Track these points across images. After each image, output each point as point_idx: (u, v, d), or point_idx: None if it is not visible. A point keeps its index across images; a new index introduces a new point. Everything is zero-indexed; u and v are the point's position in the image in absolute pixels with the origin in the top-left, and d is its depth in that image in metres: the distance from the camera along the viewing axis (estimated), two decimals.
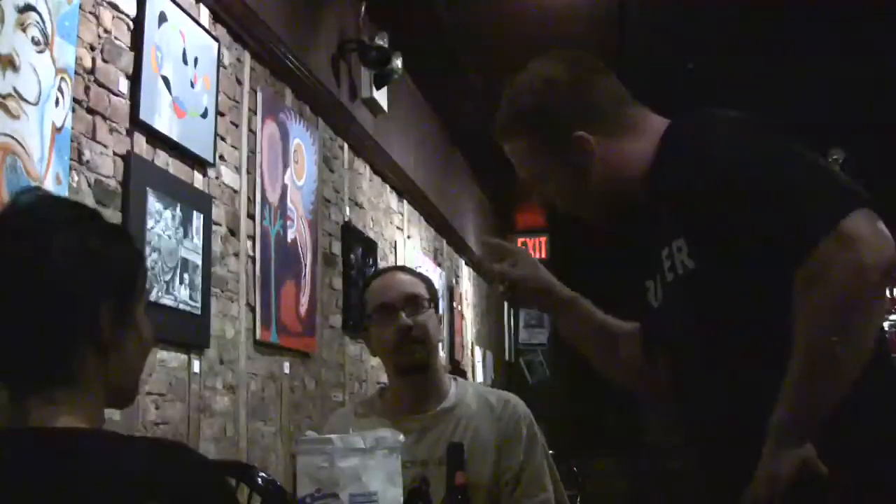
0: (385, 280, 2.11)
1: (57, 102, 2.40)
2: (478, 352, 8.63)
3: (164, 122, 2.97)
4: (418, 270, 2.34)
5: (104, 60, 2.69)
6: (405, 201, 6.31)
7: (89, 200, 2.55)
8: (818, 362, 1.16)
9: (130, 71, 2.82)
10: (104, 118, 2.68)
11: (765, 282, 1.22)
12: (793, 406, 1.17)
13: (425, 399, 2.04)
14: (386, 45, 5.02)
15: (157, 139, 2.97)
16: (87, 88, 2.60)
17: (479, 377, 8.44)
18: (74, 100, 2.51)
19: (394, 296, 2.02)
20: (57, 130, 2.40)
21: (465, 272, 8.55)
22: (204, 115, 3.26)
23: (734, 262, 1.25)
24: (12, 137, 2.23)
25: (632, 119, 1.45)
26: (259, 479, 2.46)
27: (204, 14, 3.38)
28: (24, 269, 1.02)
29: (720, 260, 1.27)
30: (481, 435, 1.97)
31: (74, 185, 2.50)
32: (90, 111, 2.62)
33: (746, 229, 1.24)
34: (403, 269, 2.27)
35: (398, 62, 5.08)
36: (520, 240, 10.93)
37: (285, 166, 4.07)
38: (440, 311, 2.13)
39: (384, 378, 5.90)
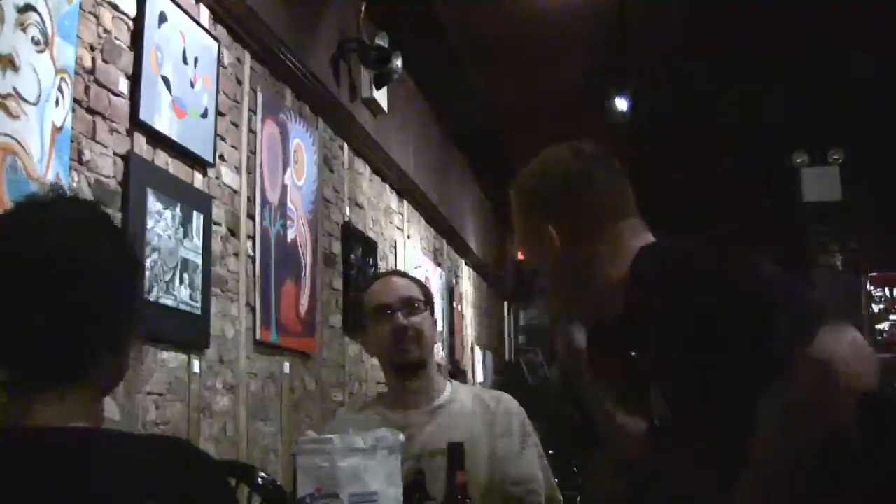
0: (382, 283, 2.18)
1: (57, 102, 2.40)
2: (478, 352, 8.63)
3: (164, 122, 2.97)
4: (416, 274, 2.37)
5: (104, 60, 2.69)
6: (405, 201, 6.31)
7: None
8: None
9: (130, 71, 2.82)
10: (104, 118, 2.68)
11: None
12: None
13: (420, 397, 2.10)
14: (386, 45, 5.02)
15: (157, 139, 2.97)
16: (87, 88, 2.60)
17: (479, 377, 8.44)
18: (74, 100, 2.51)
19: (390, 298, 2.10)
20: (57, 130, 2.40)
21: (465, 272, 8.55)
22: (204, 115, 3.26)
23: None
24: (12, 137, 2.23)
25: (613, 235, 1.44)
26: (259, 479, 2.46)
27: (204, 14, 3.38)
28: (72, 272, 1.04)
29: None
30: (476, 431, 2.01)
31: (74, 185, 2.50)
32: (90, 111, 2.62)
33: None
34: (400, 273, 2.33)
35: (398, 62, 5.09)
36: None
37: (285, 166, 4.07)
38: (435, 314, 2.19)
39: (384, 378, 5.89)
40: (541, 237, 1.46)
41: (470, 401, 2.10)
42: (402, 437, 1.64)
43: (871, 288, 8.68)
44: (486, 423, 2.05)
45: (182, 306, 3.03)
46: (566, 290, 1.50)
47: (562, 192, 1.46)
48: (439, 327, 2.22)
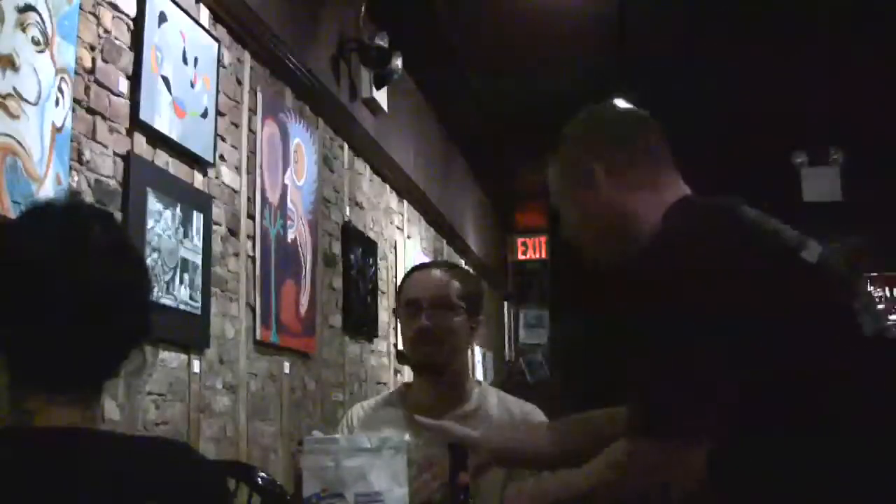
0: (419, 275, 2.10)
1: (57, 102, 2.40)
2: (478, 352, 8.63)
3: (164, 122, 2.97)
4: (463, 269, 2.26)
5: (104, 60, 2.69)
6: (405, 201, 6.31)
7: (89, 200, 2.55)
8: None
9: (130, 71, 2.82)
10: (104, 118, 2.68)
11: None
12: None
13: (444, 400, 2.03)
14: (386, 45, 5.02)
15: (157, 139, 2.97)
16: (87, 88, 2.60)
17: (479, 377, 8.44)
18: (74, 100, 2.51)
19: (420, 294, 2.03)
20: (57, 130, 2.40)
21: None
22: (204, 115, 3.26)
23: None
24: (12, 137, 2.22)
25: (651, 178, 1.50)
26: (259, 479, 2.46)
27: (204, 14, 3.38)
28: (90, 285, 1.06)
29: None
30: None
31: (74, 184, 2.50)
32: (90, 111, 2.62)
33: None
34: (447, 267, 2.16)
35: (398, 62, 5.08)
36: (520, 239, 10.95)
37: (285, 166, 4.07)
38: (480, 315, 2.09)
39: (384, 378, 5.91)
40: (588, 181, 1.51)
41: (496, 410, 2.03)
42: (406, 437, 1.64)
43: (871, 288, 8.68)
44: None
45: (182, 306, 3.02)
46: (605, 238, 1.53)
47: (610, 135, 1.55)
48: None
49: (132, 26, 2.84)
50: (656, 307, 1.30)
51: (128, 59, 2.81)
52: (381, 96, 5.25)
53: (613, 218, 1.50)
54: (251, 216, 3.71)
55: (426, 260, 6.58)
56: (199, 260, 3.15)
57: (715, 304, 1.24)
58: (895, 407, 1.23)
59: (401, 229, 6.17)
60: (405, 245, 6.14)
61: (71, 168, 2.48)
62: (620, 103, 1.63)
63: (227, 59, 3.55)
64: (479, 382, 2.13)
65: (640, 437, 1.30)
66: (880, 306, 8.71)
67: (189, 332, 3.10)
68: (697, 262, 1.29)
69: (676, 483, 1.31)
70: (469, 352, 2.13)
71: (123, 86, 2.78)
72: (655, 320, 1.30)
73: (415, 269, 2.20)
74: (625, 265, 1.42)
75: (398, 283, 2.18)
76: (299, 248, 4.18)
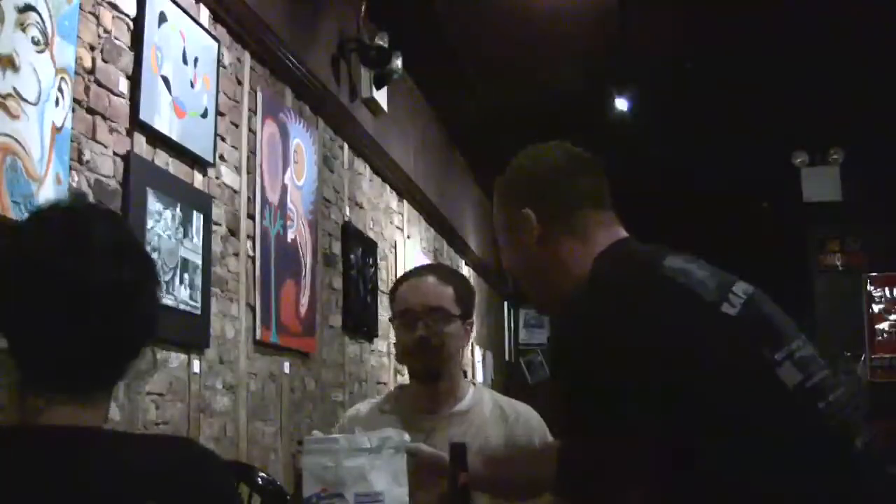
0: (414, 284, 2.07)
1: (57, 102, 2.40)
2: (478, 352, 8.63)
3: (164, 122, 2.97)
4: (453, 271, 2.25)
5: (104, 60, 2.69)
6: (405, 201, 6.31)
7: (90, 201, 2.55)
8: None
9: (130, 71, 2.82)
10: (104, 118, 2.68)
11: None
12: None
13: (439, 401, 2.05)
14: (386, 45, 5.02)
15: (157, 139, 2.97)
16: (87, 88, 2.60)
17: (479, 377, 8.43)
18: (74, 100, 2.51)
19: (416, 304, 2.02)
20: (57, 130, 2.40)
21: (465, 272, 8.55)
22: (204, 115, 3.26)
23: None
24: (12, 137, 2.22)
25: (584, 224, 1.49)
26: (259, 479, 2.46)
27: (204, 14, 3.38)
28: (104, 287, 1.06)
29: None
30: (491, 442, 1.97)
31: (74, 184, 2.50)
32: (90, 111, 2.62)
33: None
34: (439, 272, 2.14)
35: (398, 62, 5.09)
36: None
37: (285, 166, 4.07)
38: (472, 319, 2.10)
39: (384, 378, 5.91)
40: (520, 225, 1.50)
41: (489, 410, 2.04)
42: (406, 437, 1.64)
43: (871, 288, 8.67)
44: (503, 437, 2.00)
45: (182, 306, 3.02)
46: (539, 286, 1.53)
47: (545, 179, 1.54)
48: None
49: (132, 26, 2.84)
50: (571, 369, 1.32)
51: (128, 59, 2.81)
52: (381, 96, 5.25)
53: (545, 266, 1.49)
54: (251, 216, 3.71)
55: (426, 260, 6.58)
56: (199, 260, 3.15)
57: (628, 368, 1.25)
58: (814, 462, 1.22)
59: (401, 229, 6.17)
60: (405, 245, 6.14)
61: (71, 168, 2.48)
62: (561, 146, 1.61)
63: (227, 59, 3.55)
64: (474, 383, 2.14)
65: (561, 491, 1.35)
66: (880, 306, 8.70)
67: (189, 332, 3.10)
68: (613, 321, 1.30)
69: None
70: (463, 353, 2.14)
71: (123, 86, 2.78)
72: (571, 383, 1.32)
73: (406, 276, 2.17)
74: (553, 317, 1.44)
75: (389, 291, 2.17)
76: (299, 248, 4.18)
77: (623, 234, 1.50)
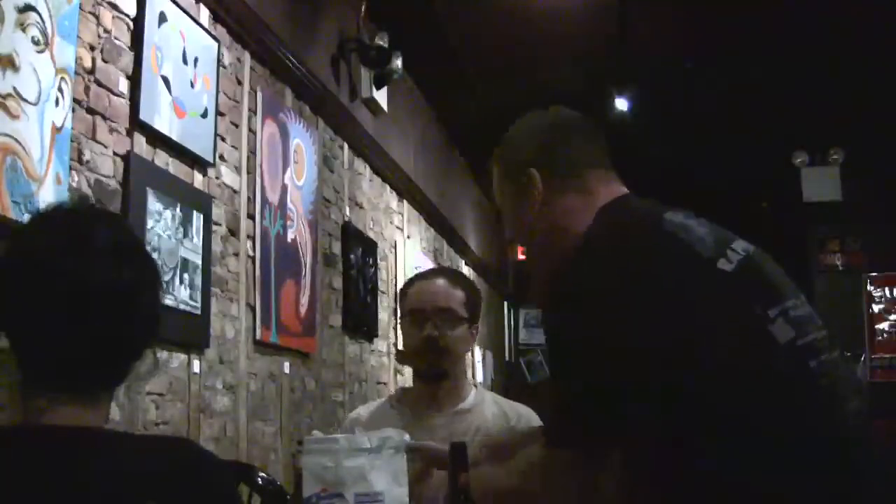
0: (424, 285, 2.11)
1: (57, 102, 2.40)
2: (478, 352, 8.63)
3: (164, 122, 2.97)
4: (464, 276, 2.28)
5: (104, 60, 2.69)
6: (405, 201, 6.31)
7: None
8: None
9: (130, 71, 2.82)
10: (104, 118, 2.68)
11: None
12: None
13: (442, 401, 2.08)
14: (386, 45, 5.02)
15: (157, 139, 2.97)
16: (87, 88, 2.60)
17: (480, 377, 8.44)
18: (74, 100, 2.51)
19: (426, 304, 2.05)
20: (57, 130, 2.40)
21: (465, 272, 8.55)
22: (204, 115, 3.26)
23: None
24: (12, 137, 2.22)
25: (588, 181, 1.51)
26: (259, 479, 2.46)
27: (204, 14, 3.38)
28: (107, 290, 1.07)
29: None
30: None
31: (74, 184, 2.50)
32: (90, 111, 2.62)
33: None
34: (448, 274, 2.20)
35: (398, 62, 5.08)
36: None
37: (285, 166, 4.07)
38: (477, 323, 2.13)
39: (384, 378, 5.91)
40: (524, 187, 1.52)
41: (491, 412, 2.07)
42: (406, 437, 1.64)
43: (871, 288, 8.68)
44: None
45: (182, 306, 3.02)
46: (542, 250, 1.54)
47: (546, 139, 1.57)
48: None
49: (132, 26, 2.84)
50: (572, 318, 1.34)
51: (128, 59, 2.81)
52: (381, 96, 5.25)
53: (548, 226, 1.50)
54: (251, 216, 3.71)
55: (426, 259, 6.58)
56: (199, 260, 3.15)
57: (625, 316, 1.27)
58: (800, 417, 1.23)
59: (401, 229, 6.17)
60: (405, 245, 6.14)
61: (71, 168, 2.48)
62: (557, 109, 1.62)
63: (227, 59, 3.55)
64: (475, 385, 2.17)
65: (552, 442, 1.38)
66: (880, 306, 8.70)
67: (189, 332, 3.10)
68: (611, 276, 1.32)
69: (588, 486, 1.35)
70: (468, 356, 2.17)
71: (123, 86, 2.78)
72: (570, 331, 1.34)
73: (417, 277, 2.22)
74: (554, 273, 1.44)
75: (399, 290, 2.20)
76: (299, 248, 4.18)
77: (624, 190, 1.51)
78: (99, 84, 2.66)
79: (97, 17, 2.66)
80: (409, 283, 2.18)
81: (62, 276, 1.04)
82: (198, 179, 3.26)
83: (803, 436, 1.23)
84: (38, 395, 1.05)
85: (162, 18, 2.99)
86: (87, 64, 2.60)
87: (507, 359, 10.74)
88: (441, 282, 2.11)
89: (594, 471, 1.36)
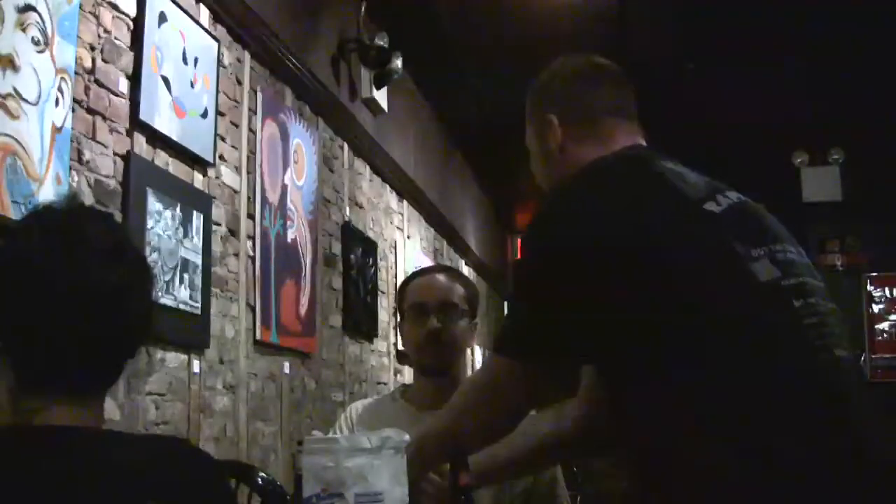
0: (425, 280, 2.13)
1: (57, 102, 2.40)
2: (478, 351, 8.63)
3: (164, 122, 2.97)
4: (460, 272, 2.29)
5: (104, 60, 2.69)
6: (405, 201, 6.31)
7: (89, 200, 2.55)
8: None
9: (130, 71, 2.82)
10: (104, 118, 2.68)
11: None
12: None
13: (445, 398, 2.05)
14: (386, 45, 5.02)
15: (157, 139, 2.97)
16: (87, 88, 2.60)
17: None
18: (74, 100, 2.51)
19: (428, 298, 2.06)
20: (57, 130, 2.40)
21: (465, 272, 8.55)
22: (204, 115, 3.26)
23: None
24: (12, 137, 2.22)
25: (606, 130, 1.50)
26: (259, 479, 2.46)
27: (204, 14, 3.38)
28: (100, 290, 1.06)
29: None
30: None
31: (74, 184, 2.50)
32: (90, 111, 2.62)
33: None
34: (448, 271, 2.24)
35: (398, 62, 5.08)
36: (520, 239, 10.95)
37: (285, 166, 4.07)
38: (477, 318, 2.15)
39: (384, 378, 5.90)
40: (544, 131, 1.53)
41: None
42: (406, 437, 1.64)
43: (871, 288, 8.68)
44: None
45: (182, 306, 3.02)
46: (553, 182, 1.55)
47: (569, 84, 1.56)
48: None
49: (132, 26, 2.85)
50: (547, 242, 1.35)
51: (128, 59, 2.81)
52: (381, 96, 5.25)
53: (566, 171, 1.50)
54: (251, 216, 3.71)
55: (426, 260, 6.58)
56: (199, 260, 3.15)
57: (602, 260, 1.26)
58: (772, 352, 1.21)
59: (401, 229, 6.17)
60: (405, 245, 6.14)
61: (71, 168, 2.48)
62: (589, 56, 1.62)
63: (227, 59, 3.55)
64: None
65: (497, 352, 1.40)
66: (880, 306, 8.70)
67: (189, 332, 3.10)
68: (593, 212, 1.32)
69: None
70: (468, 351, 2.17)
71: (123, 86, 2.78)
72: (542, 258, 1.36)
73: (416, 273, 2.24)
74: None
75: (398, 288, 2.21)
76: (299, 248, 4.18)
77: (642, 142, 1.51)
78: (99, 84, 2.66)
79: (97, 17, 2.66)
80: (409, 279, 2.20)
81: (53, 276, 1.04)
82: (198, 179, 3.26)
83: (783, 368, 1.20)
84: (30, 395, 1.04)
85: (162, 18, 2.99)
86: (87, 64, 2.60)
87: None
88: (441, 277, 2.13)
89: (555, 389, 1.40)
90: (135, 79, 2.83)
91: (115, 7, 2.76)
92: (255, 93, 3.81)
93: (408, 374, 5.38)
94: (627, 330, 1.24)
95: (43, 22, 2.34)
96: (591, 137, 1.49)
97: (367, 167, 5.43)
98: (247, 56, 3.76)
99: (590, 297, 1.27)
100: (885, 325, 8.62)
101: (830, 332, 1.25)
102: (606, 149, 1.46)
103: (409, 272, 5.58)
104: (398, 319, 2.19)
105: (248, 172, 3.71)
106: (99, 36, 2.67)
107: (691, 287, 1.23)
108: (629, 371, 1.27)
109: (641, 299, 1.24)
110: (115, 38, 2.76)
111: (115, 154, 2.73)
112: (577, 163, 1.47)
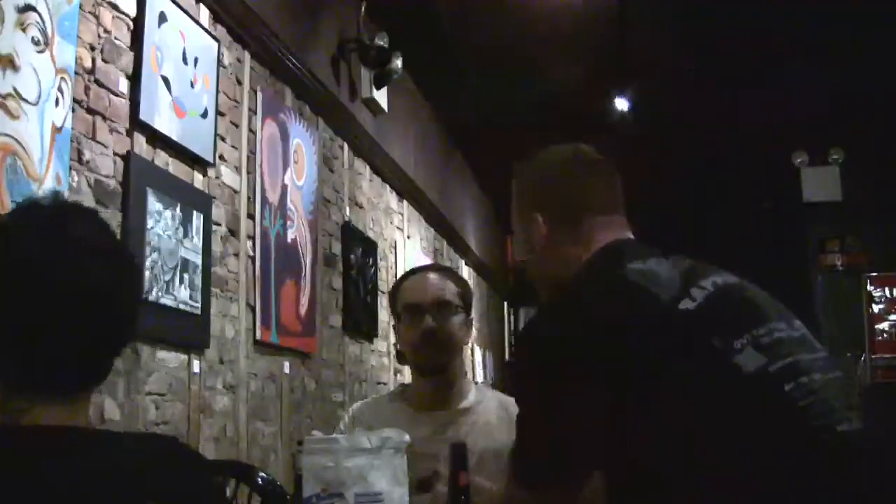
0: (418, 280, 2.13)
1: (57, 102, 2.40)
2: (478, 352, 8.63)
3: (164, 122, 2.97)
4: (452, 269, 2.30)
5: (104, 60, 2.69)
6: (405, 201, 6.31)
7: (89, 200, 2.55)
8: None
9: (130, 71, 2.82)
10: (104, 118, 2.68)
11: None
12: None
13: (444, 398, 2.07)
14: (386, 45, 5.02)
15: (157, 139, 2.97)
16: (87, 88, 2.60)
17: (480, 377, 8.44)
18: (74, 100, 2.51)
19: (423, 297, 2.06)
20: (57, 130, 2.40)
21: (465, 272, 8.55)
22: (204, 115, 3.26)
23: None
24: (12, 137, 2.22)
25: (587, 230, 1.52)
26: (259, 479, 2.46)
27: (204, 14, 3.38)
28: (87, 289, 1.06)
29: None
30: (496, 439, 1.97)
31: (74, 184, 2.50)
32: (90, 111, 2.62)
33: None
34: (439, 269, 2.25)
35: (398, 62, 5.08)
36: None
37: (285, 166, 4.07)
38: (471, 315, 2.15)
39: (384, 378, 5.90)
40: (529, 226, 1.55)
41: (495, 408, 2.06)
42: (406, 437, 1.64)
43: (871, 288, 8.67)
44: (508, 434, 2.02)
45: (182, 306, 3.02)
46: (543, 283, 1.57)
47: (556, 183, 1.57)
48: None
49: (132, 26, 2.84)
50: (535, 369, 1.38)
51: (128, 59, 2.81)
52: (381, 96, 5.25)
53: (548, 266, 1.54)
54: (251, 216, 3.71)
55: (426, 260, 6.58)
56: (199, 260, 3.15)
57: (588, 370, 1.28)
58: (769, 444, 1.21)
59: (401, 229, 6.17)
60: (405, 245, 6.14)
61: (71, 168, 2.48)
62: (574, 148, 1.62)
63: (227, 59, 3.55)
64: (476, 382, 2.16)
65: (516, 484, 1.42)
66: (880, 306, 8.69)
67: (189, 332, 3.10)
68: (573, 330, 1.33)
69: None
70: (464, 350, 2.17)
71: (123, 86, 2.78)
72: (534, 384, 1.39)
73: (408, 274, 2.23)
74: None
75: (390, 290, 2.21)
76: (299, 248, 4.18)
77: (624, 235, 1.51)
78: (99, 84, 2.66)
79: (97, 17, 2.66)
80: (401, 280, 2.19)
81: (39, 276, 1.03)
82: (198, 179, 3.26)
83: (782, 462, 1.20)
84: (16, 395, 1.03)
85: (162, 18, 2.99)
86: (87, 64, 2.60)
87: (506, 359, 10.74)
88: (433, 276, 2.12)
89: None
90: (135, 79, 2.83)
91: (115, 7, 2.76)
92: (255, 93, 3.81)
93: (408, 374, 5.38)
94: (624, 445, 1.25)
95: (43, 22, 2.34)
96: (573, 236, 1.51)
97: (367, 167, 5.43)
98: (247, 56, 3.76)
99: (587, 417, 1.29)
100: (885, 325, 8.60)
101: (830, 408, 1.23)
102: (586, 249, 1.48)
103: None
104: (394, 321, 2.19)
105: (248, 172, 3.71)
106: (99, 36, 2.67)
107: (678, 396, 1.23)
108: (630, 484, 1.28)
109: (632, 413, 1.24)
110: (115, 38, 2.76)
111: (115, 154, 2.73)
112: (559, 258, 1.50)
